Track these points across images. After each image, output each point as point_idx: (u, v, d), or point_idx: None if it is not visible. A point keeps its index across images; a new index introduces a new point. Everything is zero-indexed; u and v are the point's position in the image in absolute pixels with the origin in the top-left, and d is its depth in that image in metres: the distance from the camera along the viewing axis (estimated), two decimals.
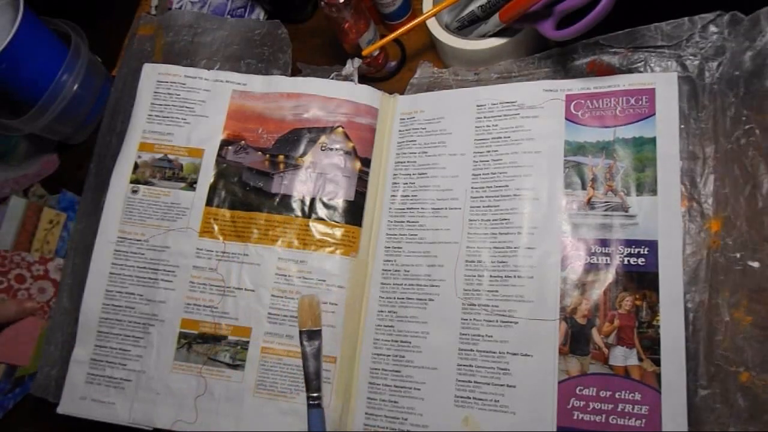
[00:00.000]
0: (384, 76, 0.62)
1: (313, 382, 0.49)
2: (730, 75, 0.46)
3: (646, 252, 0.45)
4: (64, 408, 0.52)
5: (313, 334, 0.50)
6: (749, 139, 0.44)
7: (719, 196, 0.44)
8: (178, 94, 0.58)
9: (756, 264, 0.42)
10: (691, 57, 0.48)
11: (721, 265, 0.43)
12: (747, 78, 0.45)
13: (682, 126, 0.47)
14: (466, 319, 0.48)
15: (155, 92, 0.59)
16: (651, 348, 0.43)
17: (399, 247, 0.53)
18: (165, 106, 0.58)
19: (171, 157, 0.57)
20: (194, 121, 0.58)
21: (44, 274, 0.58)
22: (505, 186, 0.51)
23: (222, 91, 0.58)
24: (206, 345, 0.52)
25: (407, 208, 0.54)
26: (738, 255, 0.43)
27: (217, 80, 0.59)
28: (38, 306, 0.58)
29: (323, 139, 0.55)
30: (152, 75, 0.59)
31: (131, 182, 0.56)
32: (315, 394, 0.49)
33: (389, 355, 0.50)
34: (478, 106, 0.54)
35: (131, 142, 0.57)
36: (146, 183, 0.56)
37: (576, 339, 0.45)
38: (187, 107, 0.58)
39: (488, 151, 0.52)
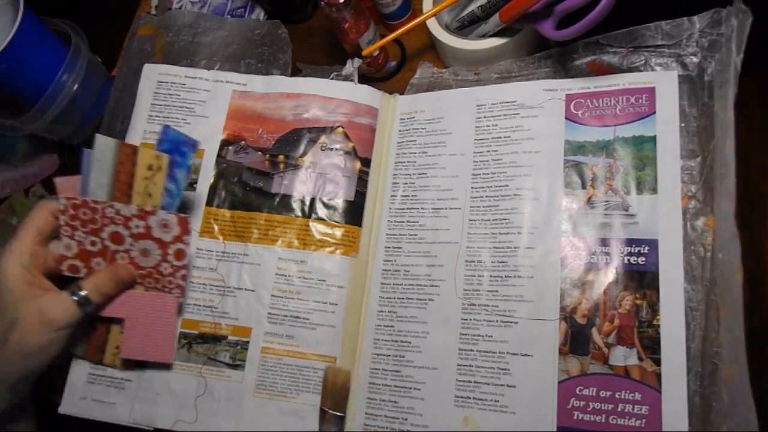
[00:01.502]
0: (384, 76, 0.62)
1: None
2: (720, 71, 0.46)
3: (646, 251, 0.45)
4: (66, 408, 0.52)
5: (331, 419, 0.45)
6: (749, 136, 0.44)
7: (719, 195, 0.44)
8: (179, 95, 0.58)
9: (720, 255, 0.42)
10: (690, 56, 0.48)
11: (718, 264, 0.43)
12: (745, 75, 0.45)
13: (682, 124, 0.47)
14: (466, 319, 0.48)
15: (155, 92, 0.59)
16: (651, 348, 0.43)
17: (399, 247, 0.53)
18: (165, 107, 0.58)
19: None
20: (194, 121, 0.58)
21: (146, 231, 0.47)
22: (505, 186, 0.50)
23: (222, 91, 0.58)
24: (206, 345, 0.52)
25: (407, 208, 0.54)
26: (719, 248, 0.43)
27: (217, 80, 0.59)
28: (145, 273, 0.48)
29: (323, 139, 0.55)
30: (152, 75, 0.59)
31: None
32: None
33: (389, 355, 0.50)
34: (478, 106, 0.54)
35: (131, 142, 0.57)
36: None
37: (576, 339, 0.45)
38: (187, 107, 0.58)
39: (488, 151, 0.52)
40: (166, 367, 0.51)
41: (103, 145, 0.47)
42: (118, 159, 0.47)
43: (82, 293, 0.45)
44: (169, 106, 0.58)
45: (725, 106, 0.44)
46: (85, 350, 0.51)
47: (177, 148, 0.49)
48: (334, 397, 0.48)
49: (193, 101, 0.58)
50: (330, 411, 0.47)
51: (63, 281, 0.47)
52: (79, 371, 0.52)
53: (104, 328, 0.50)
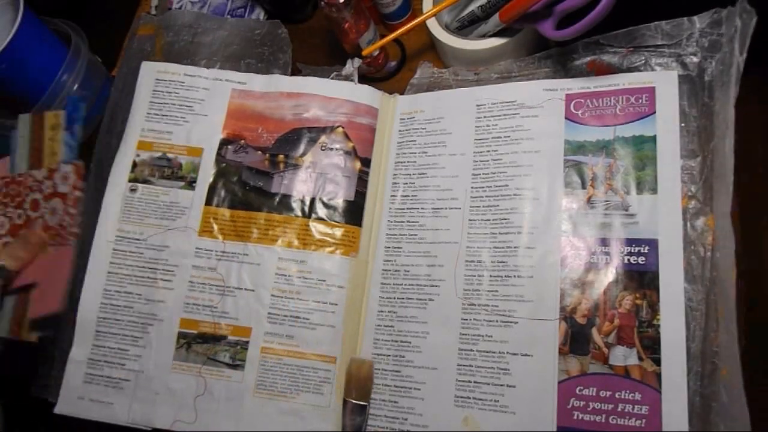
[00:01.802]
0: (384, 76, 0.62)
1: None
2: (722, 71, 0.46)
3: (646, 251, 0.45)
4: (62, 408, 0.51)
5: (355, 408, 0.46)
6: (749, 137, 0.44)
7: (719, 195, 0.44)
8: (177, 93, 0.58)
9: (717, 254, 0.42)
10: (690, 56, 0.48)
11: (717, 263, 0.43)
12: (743, 74, 0.45)
13: (682, 124, 0.47)
14: (466, 319, 0.48)
15: (154, 90, 0.59)
16: (651, 347, 0.43)
17: (399, 247, 0.53)
18: (164, 105, 0.58)
19: (170, 155, 0.57)
20: (193, 119, 0.58)
21: (53, 191, 0.51)
22: (505, 186, 0.50)
23: (222, 90, 0.58)
24: (206, 345, 0.52)
25: (407, 208, 0.54)
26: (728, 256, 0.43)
27: (217, 79, 0.59)
28: (54, 232, 0.50)
29: (323, 138, 0.55)
30: (151, 73, 0.59)
31: (130, 181, 0.56)
32: None
33: (389, 355, 0.50)
34: (477, 105, 0.54)
35: (130, 140, 0.57)
36: (145, 182, 0.56)
37: (576, 339, 0.45)
38: (186, 106, 0.58)
39: (488, 151, 0.52)
40: (166, 367, 0.51)
41: (23, 121, 0.51)
42: (33, 129, 0.51)
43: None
44: (167, 104, 0.58)
45: (726, 105, 0.44)
46: (9, 329, 0.50)
47: (75, 108, 0.54)
48: (359, 387, 0.48)
49: (192, 100, 0.58)
50: (353, 401, 0.47)
51: None
52: (76, 371, 0.52)
53: (22, 303, 0.50)
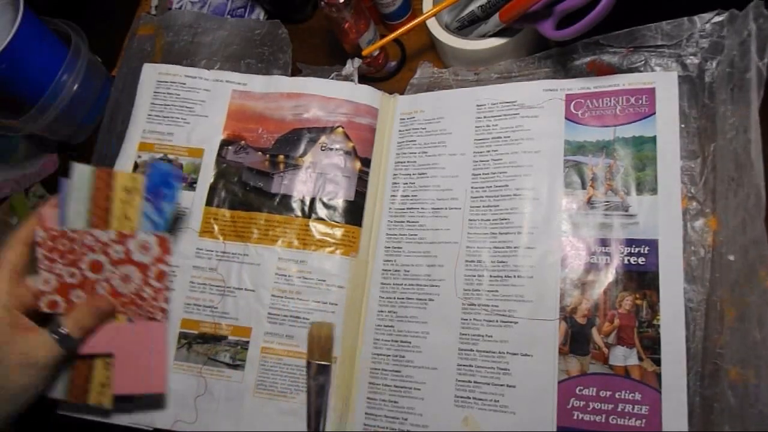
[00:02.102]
0: (384, 76, 0.62)
1: (312, 420, 0.48)
2: (729, 73, 0.46)
3: (646, 251, 0.45)
4: (66, 408, 0.51)
5: (319, 369, 0.48)
6: (749, 138, 0.44)
7: (719, 196, 0.44)
8: (178, 94, 0.58)
9: (731, 257, 0.42)
10: (691, 56, 0.48)
11: (717, 263, 0.43)
12: (743, 75, 0.45)
13: (682, 125, 0.47)
14: (466, 319, 0.48)
15: (155, 92, 0.59)
16: (651, 348, 0.43)
17: (399, 247, 0.53)
18: (165, 106, 0.58)
19: (171, 157, 0.57)
20: (194, 121, 0.58)
21: (126, 256, 0.47)
22: (505, 186, 0.51)
23: (222, 91, 0.58)
24: (206, 345, 0.52)
25: (407, 208, 0.54)
26: (732, 257, 0.43)
27: (218, 80, 0.59)
28: (127, 300, 0.47)
29: (323, 139, 0.55)
30: (152, 75, 0.59)
31: None
32: None
33: (389, 355, 0.50)
34: (478, 106, 0.54)
35: (131, 141, 0.57)
36: None
37: (576, 339, 0.45)
38: (187, 107, 0.58)
39: (488, 151, 0.52)
40: None
41: (80, 172, 0.46)
42: (94, 185, 0.47)
43: (63, 331, 0.44)
44: (168, 105, 0.58)
45: (748, 110, 0.43)
46: (67, 391, 0.47)
47: (165, 180, 0.48)
48: (321, 348, 0.49)
49: (193, 101, 0.58)
50: (317, 362, 0.48)
51: (42, 315, 0.46)
52: None
53: (85, 366, 0.47)
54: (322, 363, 0.48)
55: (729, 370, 0.40)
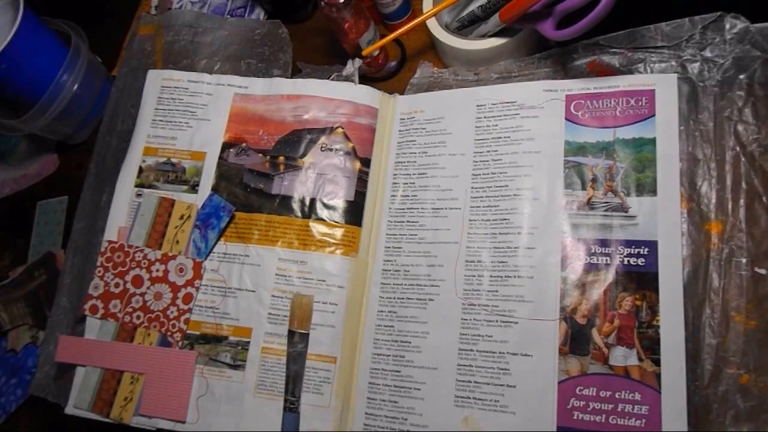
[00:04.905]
0: (384, 76, 0.62)
1: (289, 385, 0.49)
2: (730, 76, 0.46)
3: (645, 252, 0.45)
4: (71, 409, 0.51)
5: (298, 336, 0.50)
6: (749, 141, 0.44)
7: (719, 199, 0.45)
8: (181, 99, 0.59)
9: (763, 271, 0.42)
10: (691, 58, 0.48)
11: (722, 268, 0.43)
12: (744, 78, 0.45)
13: (682, 127, 0.47)
14: (466, 319, 0.48)
15: (159, 97, 0.59)
16: (651, 348, 0.43)
17: (399, 247, 0.53)
18: (168, 111, 0.58)
19: (174, 160, 0.57)
20: (197, 125, 0.58)
21: (164, 275, 0.51)
22: (505, 186, 0.51)
23: (224, 95, 0.58)
24: (207, 345, 0.52)
25: (407, 208, 0.54)
26: (744, 260, 0.43)
27: (219, 84, 0.59)
28: (153, 317, 0.50)
29: (323, 139, 0.56)
30: (156, 81, 0.60)
31: (136, 186, 0.56)
32: (291, 398, 0.49)
33: (389, 355, 0.50)
34: (478, 106, 0.54)
35: (136, 146, 0.58)
36: (150, 186, 0.56)
37: (576, 339, 0.45)
38: (189, 111, 0.58)
39: (488, 151, 0.52)
40: None
41: (147, 198, 0.54)
42: (157, 211, 0.53)
43: None
44: (172, 110, 0.58)
45: (725, 108, 0.44)
46: (91, 405, 0.50)
47: (216, 212, 0.53)
48: (300, 317, 0.50)
49: (195, 105, 0.58)
50: (298, 331, 0.50)
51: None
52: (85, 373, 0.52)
53: (114, 381, 0.50)
54: (301, 331, 0.50)
55: (741, 375, 0.41)
